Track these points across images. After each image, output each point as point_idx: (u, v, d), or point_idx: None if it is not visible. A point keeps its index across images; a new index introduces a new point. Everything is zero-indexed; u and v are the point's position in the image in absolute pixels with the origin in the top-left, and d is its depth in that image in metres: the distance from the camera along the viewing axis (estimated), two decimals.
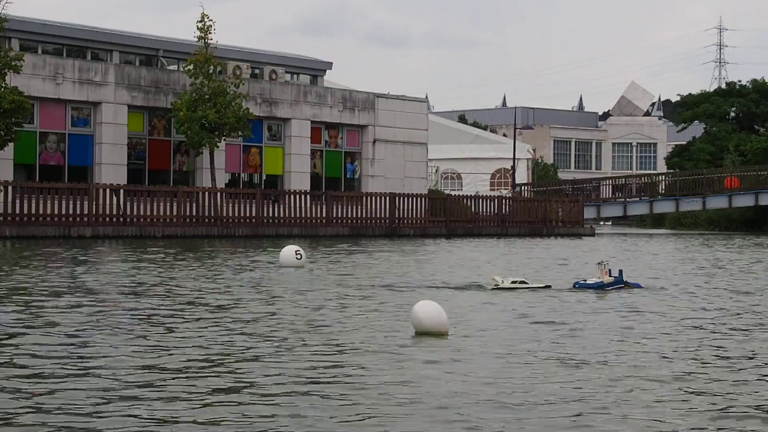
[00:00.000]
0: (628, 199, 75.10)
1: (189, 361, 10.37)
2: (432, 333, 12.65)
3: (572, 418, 8.03)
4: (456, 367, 10.38)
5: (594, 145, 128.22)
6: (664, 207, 75.44)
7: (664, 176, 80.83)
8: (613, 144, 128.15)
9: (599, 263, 21.42)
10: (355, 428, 7.64)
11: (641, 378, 9.86)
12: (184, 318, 14.21)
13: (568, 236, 60.14)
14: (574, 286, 20.79)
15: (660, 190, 75.92)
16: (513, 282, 20.64)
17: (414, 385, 9.27)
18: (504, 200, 63.67)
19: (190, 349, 11.20)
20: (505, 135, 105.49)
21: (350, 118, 58.81)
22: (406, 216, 56.28)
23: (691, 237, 64.02)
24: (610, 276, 20.84)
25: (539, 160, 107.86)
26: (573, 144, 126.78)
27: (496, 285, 20.42)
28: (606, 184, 77.85)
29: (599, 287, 20.40)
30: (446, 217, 57.99)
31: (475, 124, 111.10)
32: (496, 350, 11.60)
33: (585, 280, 21.27)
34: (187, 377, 9.46)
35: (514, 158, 79.20)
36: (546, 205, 64.61)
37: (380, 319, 14.61)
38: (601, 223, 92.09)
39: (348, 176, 59.32)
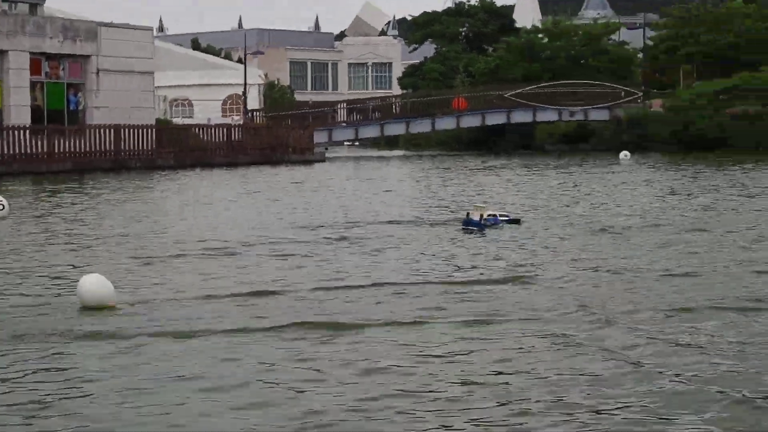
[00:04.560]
0: (359, 123, 75.87)
1: None
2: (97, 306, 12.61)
3: None
4: None
5: (330, 66, 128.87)
6: (395, 129, 76.56)
7: (396, 98, 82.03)
8: (349, 65, 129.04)
9: (476, 206, 22.32)
10: None
11: None
12: None
13: (300, 163, 60.50)
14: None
15: (395, 111, 76.96)
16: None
17: None
18: (234, 128, 63.59)
19: None
20: (240, 60, 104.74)
21: (72, 49, 57.12)
22: (132, 148, 55.57)
23: (433, 159, 65.90)
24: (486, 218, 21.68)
25: (276, 83, 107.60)
26: (309, 65, 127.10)
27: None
28: (341, 108, 78.40)
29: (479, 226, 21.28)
30: (174, 147, 57.48)
31: (209, 48, 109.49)
32: None
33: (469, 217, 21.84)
34: None
35: (245, 84, 78.82)
36: (276, 131, 64.72)
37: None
38: (345, 143, 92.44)
39: (72, 109, 57.77)
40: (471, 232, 20.96)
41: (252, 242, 19.52)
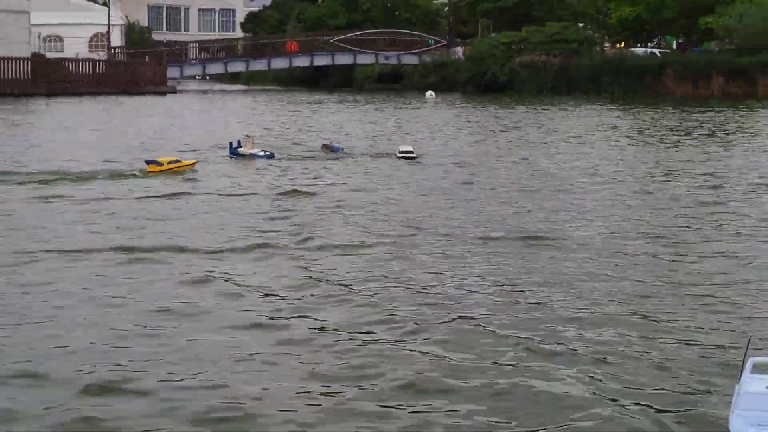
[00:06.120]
0: (207, 61, 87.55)
1: None
2: None
3: None
4: None
5: (183, 10, 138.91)
6: (237, 67, 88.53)
7: (238, 41, 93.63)
8: (199, 9, 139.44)
9: (246, 135, 24.60)
10: None
11: None
12: None
13: (155, 94, 71.00)
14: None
15: (238, 52, 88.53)
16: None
17: None
18: (99, 62, 73.72)
19: None
20: (105, 3, 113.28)
21: None
22: (10, 78, 64.66)
23: (267, 93, 77.11)
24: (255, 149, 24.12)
25: (135, 24, 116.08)
26: (165, 9, 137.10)
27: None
28: (193, 47, 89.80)
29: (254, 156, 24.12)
30: (47, 78, 66.68)
31: None
32: None
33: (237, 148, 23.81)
34: None
35: (108, 24, 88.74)
36: (135, 66, 75.36)
37: None
38: (197, 77, 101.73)
39: None
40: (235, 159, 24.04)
41: None
